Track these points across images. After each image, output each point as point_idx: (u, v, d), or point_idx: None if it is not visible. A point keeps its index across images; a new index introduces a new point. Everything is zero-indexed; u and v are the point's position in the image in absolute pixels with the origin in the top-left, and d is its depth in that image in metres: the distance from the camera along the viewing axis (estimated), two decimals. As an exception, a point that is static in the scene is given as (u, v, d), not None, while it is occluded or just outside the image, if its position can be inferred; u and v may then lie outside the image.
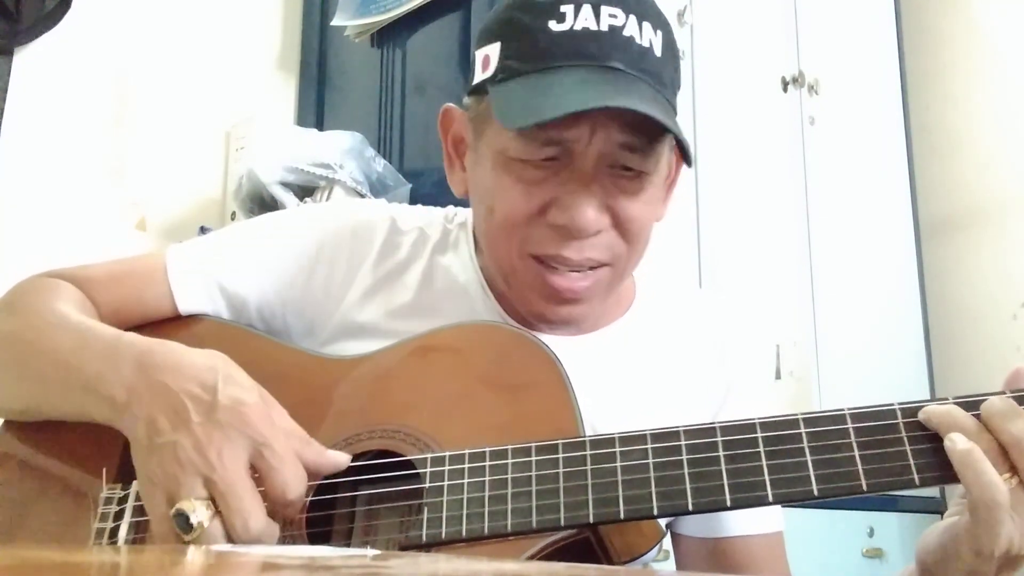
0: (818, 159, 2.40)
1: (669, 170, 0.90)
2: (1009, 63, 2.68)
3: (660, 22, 0.83)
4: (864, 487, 0.67)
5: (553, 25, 0.79)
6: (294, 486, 0.70)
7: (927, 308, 2.58)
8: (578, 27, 0.78)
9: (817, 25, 2.49)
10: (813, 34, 2.46)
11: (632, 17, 0.80)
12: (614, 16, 0.79)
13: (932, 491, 2.26)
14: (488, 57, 0.83)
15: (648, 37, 0.80)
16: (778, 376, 2.17)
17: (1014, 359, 0.72)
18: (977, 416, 0.67)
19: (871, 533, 2.18)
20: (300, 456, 0.71)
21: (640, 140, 0.80)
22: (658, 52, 0.81)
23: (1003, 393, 0.69)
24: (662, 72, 0.81)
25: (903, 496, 2.25)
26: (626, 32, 0.79)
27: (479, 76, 0.84)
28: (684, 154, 0.80)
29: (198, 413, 0.69)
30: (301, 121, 2.23)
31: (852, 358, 2.31)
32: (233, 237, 0.95)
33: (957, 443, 0.66)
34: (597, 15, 0.79)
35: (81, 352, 0.78)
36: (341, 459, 0.74)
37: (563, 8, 0.79)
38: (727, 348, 0.96)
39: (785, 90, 2.38)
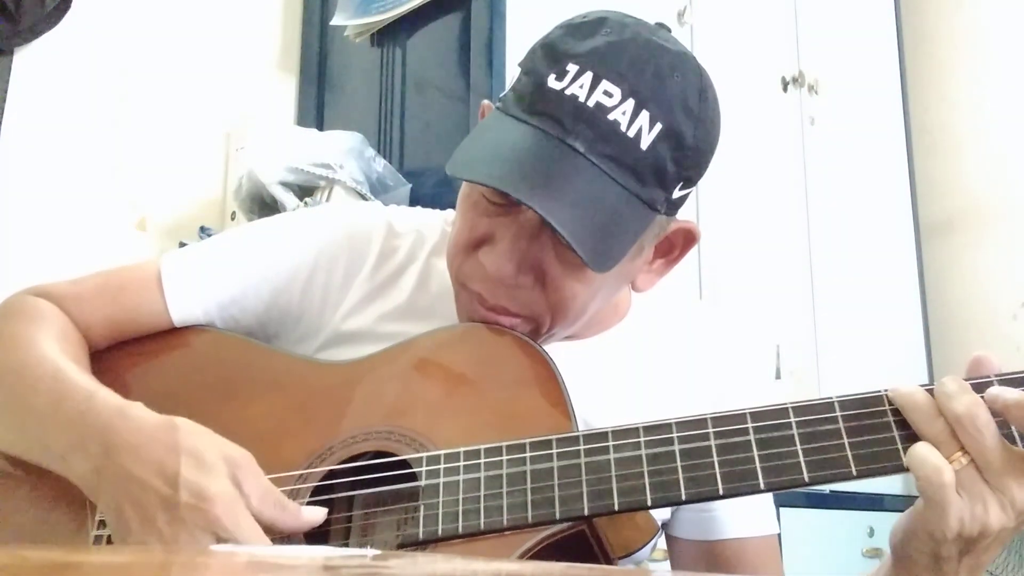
0: (818, 159, 2.40)
1: (669, 247, 0.87)
2: (1009, 63, 2.68)
3: (664, 111, 0.76)
4: (854, 473, 0.67)
5: (551, 80, 0.76)
6: None
7: (927, 308, 2.58)
8: (568, 92, 0.75)
9: (817, 25, 2.49)
10: (813, 34, 2.47)
11: (630, 101, 0.75)
12: (609, 95, 0.75)
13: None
14: (514, 76, 0.82)
15: (639, 126, 0.75)
16: (778, 376, 2.17)
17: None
18: None
19: (871, 533, 2.18)
20: (274, 524, 0.71)
21: None
22: (644, 144, 0.75)
23: (989, 378, 0.68)
24: (638, 163, 0.75)
25: (903, 496, 2.25)
26: (611, 116, 0.74)
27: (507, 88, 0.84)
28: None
29: (162, 510, 0.69)
30: (301, 121, 2.23)
31: (852, 358, 2.32)
32: (228, 244, 0.94)
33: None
34: (592, 87, 0.75)
35: (55, 416, 0.76)
36: (317, 515, 0.74)
37: (569, 67, 0.76)
38: (718, 362, 0.96)
39: (785, 90, 2.38)
